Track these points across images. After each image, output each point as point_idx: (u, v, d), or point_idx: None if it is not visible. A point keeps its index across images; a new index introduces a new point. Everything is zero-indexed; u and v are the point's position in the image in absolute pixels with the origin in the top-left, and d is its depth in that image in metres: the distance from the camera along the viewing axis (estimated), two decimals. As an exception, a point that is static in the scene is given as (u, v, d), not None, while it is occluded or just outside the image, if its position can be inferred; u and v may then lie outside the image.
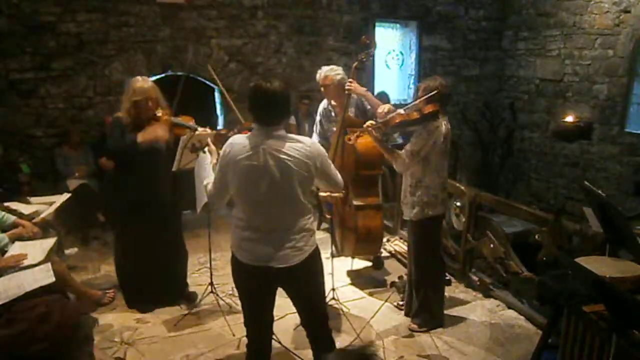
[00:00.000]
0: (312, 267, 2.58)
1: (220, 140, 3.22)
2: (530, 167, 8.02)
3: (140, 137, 3.59)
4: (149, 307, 3.96)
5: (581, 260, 2.64)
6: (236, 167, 2.42)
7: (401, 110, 3.42)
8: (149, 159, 3.65)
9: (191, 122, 3.82)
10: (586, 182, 2.93)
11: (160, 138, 3.65)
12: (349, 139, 3.69)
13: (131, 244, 3.88)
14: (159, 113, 3.72)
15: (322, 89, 4.34)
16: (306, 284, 2.61)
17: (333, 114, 4.39)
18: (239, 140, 2.46)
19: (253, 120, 2.48)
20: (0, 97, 5.73)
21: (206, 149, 3.12)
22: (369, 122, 3.51)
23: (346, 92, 4.09)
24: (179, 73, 6.34)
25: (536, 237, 3.93)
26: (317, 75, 4.32)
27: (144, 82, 3.70)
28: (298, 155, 2.42)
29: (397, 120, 3.38)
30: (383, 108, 3.66)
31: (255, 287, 2.57)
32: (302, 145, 2.45)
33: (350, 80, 4.10)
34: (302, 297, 2.67)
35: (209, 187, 2.62)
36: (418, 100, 3.37)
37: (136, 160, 3.64)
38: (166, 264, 3.97)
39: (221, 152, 2.52)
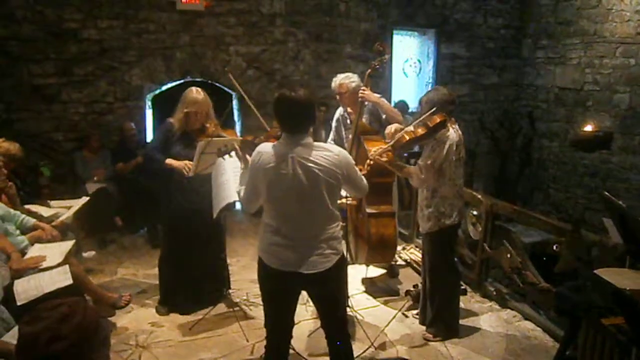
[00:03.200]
0: (338, 273, 2.62)
1: (247, 146, 3.23)
2: (549, 177, 7.92)
3: (169, 162, 3.75)
4: (188, 308, 4.00)
5: (600, 272, 2.61)
6: (266, 175, 2.45)
7: (409, 128, 3.41)
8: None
9: (234, 137, 3.91)
10: (606, 193, 2.89)
11: (184, 169, 3.73)
12: (361, 169, 3.61)
13: (176, 249, 3.95)
14: (207, 125, 3.85)
15: (337, 96, 4.36)
16: (331, 289, 2.64)
17: (349, 121, 4.41)
18: (267, 149, 2.50)
19: (280, 129, 2.53)
20: (24, 102, 5.85)
21: (233, 153, 3.14)
22: (374, 150, 3.49)
23: (359, 99, 4.10)
24: (198, 79, 6.42)
25: (554, 247, 3.89)
26: (333, 83, 4.35)
27: (198, 94, 3.80)
28: (326, 163, 2.46)
29: (406, 140, 3.35)
30: (390, 128, 3.64)
31: (281, 291, 2.60)
32: (330, 153, 2.49)
33: (363, 87, 4.11)
34: (326, 301, 2.69)
35: (242, 192, 2.68)
36: (423, 116, 3.35)
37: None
38: (208, 270, 4.02)
39: (250, 159, 2.57)
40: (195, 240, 3.88)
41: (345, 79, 4.28)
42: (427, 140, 3.37)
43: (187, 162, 3.72)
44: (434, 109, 3.30)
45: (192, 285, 3.99)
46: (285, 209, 2.49)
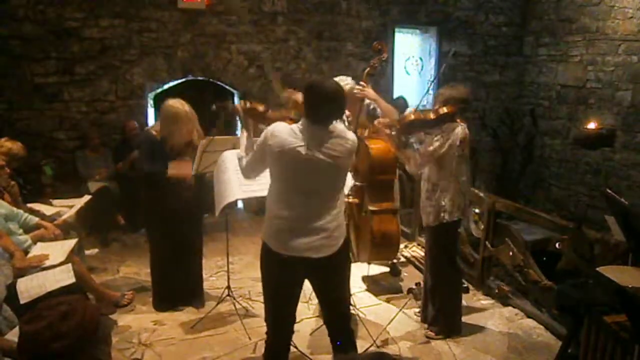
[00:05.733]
0: (342, 258, 2.65)
1: (254, 115, 3.06)
2: (551, 174, 7.90)
3: (170, 171, 3.73)
4: (168, 307, 4.05)
5: (603, 270, 2.61)
6: (282, 155, 2.45)
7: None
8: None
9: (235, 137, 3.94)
10: (608, 190, 2.89)
11: (187, 176, 3.76)
12: (362, 133, 3.65)
13: (160, 248, 4.01)
14: (194, 139, 3.82)
15: None
16: (335, 274, 2.66)
17: (346, 122, 4.39)
18: (286, 129, 2.49)
19: (305, 117, 2.51)
20: (26, 101, 5.85)
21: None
22: (380, 120, 3.52)
23: (357, 94, 4.06)
24: (200, 78, 6.42)
25: (556, 245, 3.88)
26: None
27: (182, 106, 3.71)
28: (344, 150, 2.51)
29: (411, 118, 3.37)
30: (377, 121, 3.67)
31: (285, 278, 2.58)
32: (346, 140, 2.55)
33: (362, 82, 4.02)
34: (329, 289, 2.69)
35: (243, 161, 2.68)
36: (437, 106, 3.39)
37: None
38: (186, 268, 4.04)
39: (263, 135, 2.54)
40: (175, 244, 3.90)
41: (339, 82, 4.24)
42: (433, 128, 3.38)
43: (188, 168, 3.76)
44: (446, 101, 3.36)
45: (173, 285, 4.03)
46: (299, 189, 2.49)
